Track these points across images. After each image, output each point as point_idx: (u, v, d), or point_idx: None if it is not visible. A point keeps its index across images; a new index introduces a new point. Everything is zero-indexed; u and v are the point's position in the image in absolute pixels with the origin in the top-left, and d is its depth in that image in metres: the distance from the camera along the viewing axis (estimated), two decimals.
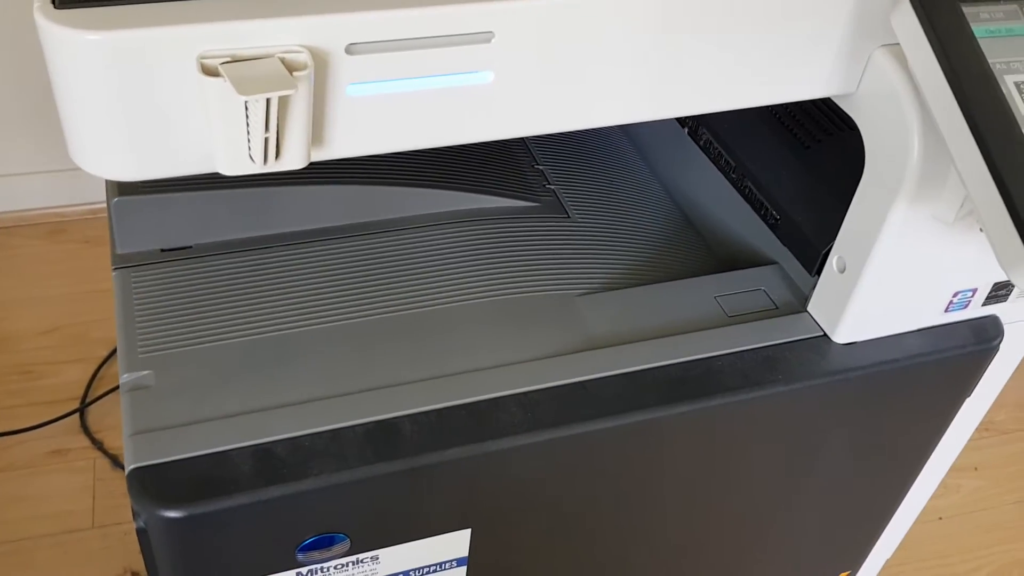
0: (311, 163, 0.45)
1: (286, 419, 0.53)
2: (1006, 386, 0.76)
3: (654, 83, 0.49)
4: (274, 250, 0.64)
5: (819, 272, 0.62)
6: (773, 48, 0.50)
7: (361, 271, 0.64)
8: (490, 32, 0.44)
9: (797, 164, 0.66)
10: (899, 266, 0.57)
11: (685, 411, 0.57)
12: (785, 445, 0.64)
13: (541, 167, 0.76)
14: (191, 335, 0.58)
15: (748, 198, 0.69)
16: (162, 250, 0.63)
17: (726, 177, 0.71)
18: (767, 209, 0.67)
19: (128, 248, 0.63)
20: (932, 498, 1.31)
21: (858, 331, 0.61)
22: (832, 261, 0.60)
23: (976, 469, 1.37)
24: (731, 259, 0.71)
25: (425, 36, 0.43)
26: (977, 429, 1.46)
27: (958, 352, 0.63)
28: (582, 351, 0.59)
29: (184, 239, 0.64)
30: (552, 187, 0.74)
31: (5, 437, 1.22)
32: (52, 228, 1.55)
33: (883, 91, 0.52)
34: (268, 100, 0.40)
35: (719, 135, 0.71)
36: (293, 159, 0.43)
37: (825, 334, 0.62)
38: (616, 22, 0.46)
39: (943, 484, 1.35)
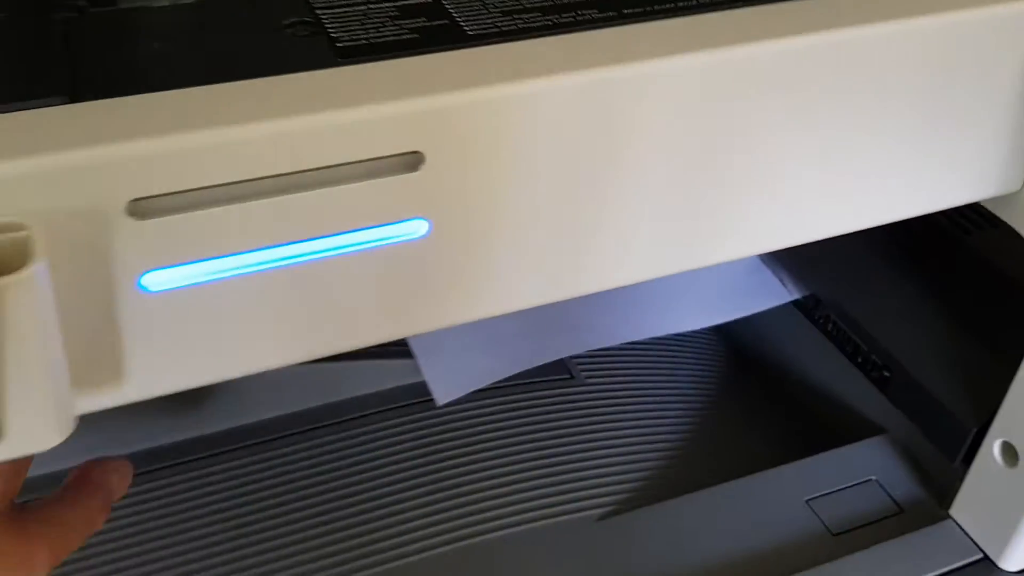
0: None
1: None
2: None
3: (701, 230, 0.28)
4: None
5: (967, 460, 0.41)
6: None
7: (309, 485, 0.43)
8: (416, 154, 0.23)
9: (907, 290, 0.45)
10: None
11: None
12: None
13: None
14: None
15: (832, 335, 0.48)
16: None
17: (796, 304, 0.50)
18: (867, 356, 0.45)
19: None
20: None
21: None
22: (993, 448, 0.39)
23: None
24: (812, 418, 0.49)
25: (286, 173, 0.22)
26: None
27: None
28: None
29: None
30: None
31: None
32: None
33: None
34: None
35: None
36: (31, 436, 0.21)
37: (986, 556, 0.40)
38: (645, 127, 0.25)
39: None
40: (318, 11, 0.26)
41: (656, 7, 0.27)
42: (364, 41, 0.25)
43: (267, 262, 0.23)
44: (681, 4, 0.27)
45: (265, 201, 0.22)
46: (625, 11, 0.26)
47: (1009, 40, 0.30)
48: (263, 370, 0.25)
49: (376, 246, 0.24)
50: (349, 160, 0.23)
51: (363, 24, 0.25)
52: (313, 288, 0.24)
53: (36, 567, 0.25)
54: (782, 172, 0.28)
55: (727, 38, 0.25)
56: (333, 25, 0.25)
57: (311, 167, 0.22)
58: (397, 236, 0.24)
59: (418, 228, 0.25)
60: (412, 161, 0.23)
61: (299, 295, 0.24)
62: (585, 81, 0.24)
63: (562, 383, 0.48)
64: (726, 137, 0.27)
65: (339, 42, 0.24)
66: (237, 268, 0.23)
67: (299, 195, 0.23)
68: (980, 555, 0.40)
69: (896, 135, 0.30)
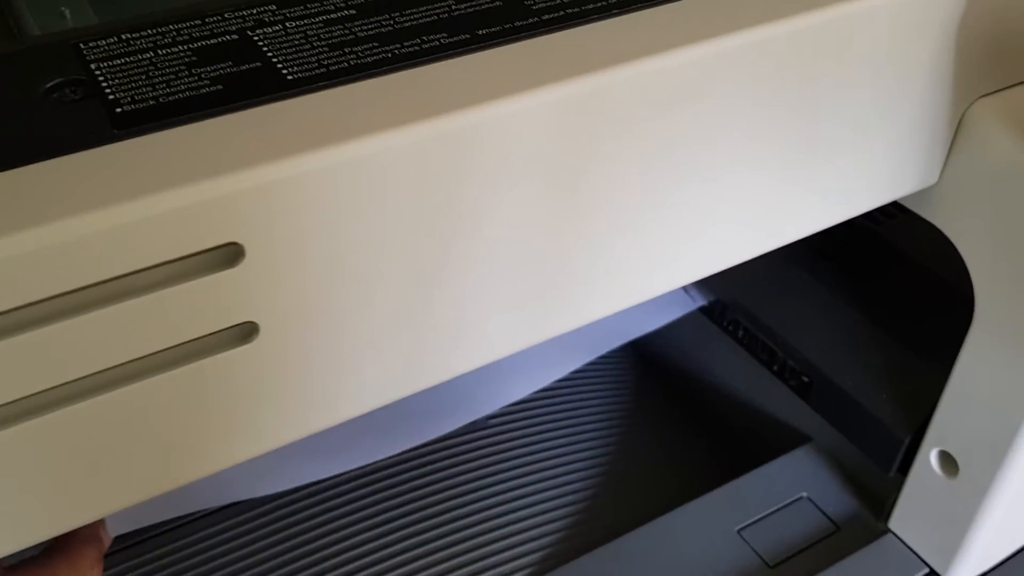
0: None
1: None
2: None
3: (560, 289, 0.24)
4: None
5: (903, 470, 0.38)
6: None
7: None
8: (235, 245, 0.18)
9: (817, 287, 0.42)
10: None
11: None
12: None
13: None
14: None
15: (744, 342, 0.44)
16: None
17: (703, 311, 0.46)
18: (784, 362, 0.42)
19: None
20: None
21: (985, 561, 0.37)
22: (930, 458, 0.36)
23: None
24: (733, 431, 0.46)
25: (55, 296, 0.17)
26: None
27: None
28: None
29: None
30: None
31: None
32: None
33: (995, 171, 0.28)
34: None
35: None
36: None
37: (933, 571, 0.37)
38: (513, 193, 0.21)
39: None
40: (93, 65, 0.20)
41: (517, 24, 0.22)
42: (151, 101, 0.19)
43: (48, 404, 0.18)
44: (547, 17, 0.22)
45: (41, 331, 0.17)
46: (481, 31, 0.22)
47: (907, 31, 0.26)
48: (50, 537, 0.20)
49: (194, 362, 0.19)
50: (139, 267, 0.17)
51: (150, 78, 0.20)
52: (116, 422, 0.19)
53: None
54: (674, 203, 0.24)
55: (605, 59, 0.21)
56: (111, 83, 0.20)
57: (83, 284, 0.17)
58: (219, 346, 0.19)
59: (244, 333, 0.19)
60: (229, 255, 0.18)
61: (91, 436, 0.19)
62: (436, 131, 0.19)
63: (463, 430, 0.44)
64: (601, 173, 0.22)
65: (118, 105, 0.19)
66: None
67: (81, 319, 0.17)
68: (927, 570, 0.37)
69: (796, 145, 0.26)
